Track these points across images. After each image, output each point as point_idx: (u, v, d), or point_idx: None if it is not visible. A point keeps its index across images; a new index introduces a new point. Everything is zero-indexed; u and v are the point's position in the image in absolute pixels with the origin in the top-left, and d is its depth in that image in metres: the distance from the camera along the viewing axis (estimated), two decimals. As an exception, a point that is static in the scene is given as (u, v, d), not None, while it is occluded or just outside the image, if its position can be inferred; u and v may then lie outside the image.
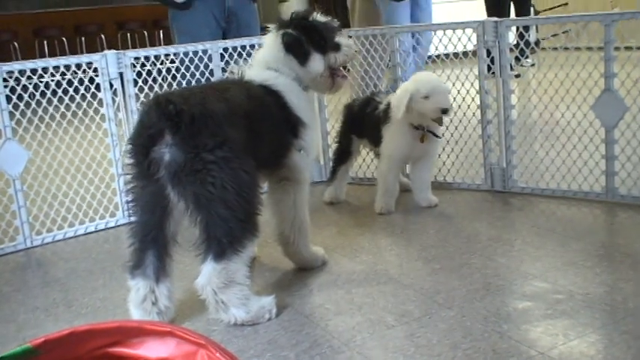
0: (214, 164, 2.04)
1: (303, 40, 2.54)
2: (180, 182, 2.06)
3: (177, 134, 2.04)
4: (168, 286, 2.26)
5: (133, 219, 2.29)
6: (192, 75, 3.57)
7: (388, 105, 3.22)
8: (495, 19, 3.37)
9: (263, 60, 2.58)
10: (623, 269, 2.42)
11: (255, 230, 2.16)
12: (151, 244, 2.20)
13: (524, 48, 3.46)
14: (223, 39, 4.00)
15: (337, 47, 2.62)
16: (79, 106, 3.42)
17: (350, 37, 3.38)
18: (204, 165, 2.04)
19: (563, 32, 3.77)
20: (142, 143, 2.09)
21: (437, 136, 3.22)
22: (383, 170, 3.29)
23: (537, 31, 8.50)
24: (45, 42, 10.71)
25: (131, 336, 1.22)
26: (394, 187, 3.29)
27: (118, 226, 3.43)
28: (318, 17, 2.61)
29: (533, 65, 7.58)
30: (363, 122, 3.39)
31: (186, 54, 3.59)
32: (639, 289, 2.25)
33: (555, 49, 3.46)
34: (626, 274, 2.37)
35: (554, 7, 10.29)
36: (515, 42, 3.69)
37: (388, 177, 3.27)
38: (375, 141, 3.34)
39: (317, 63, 2.56)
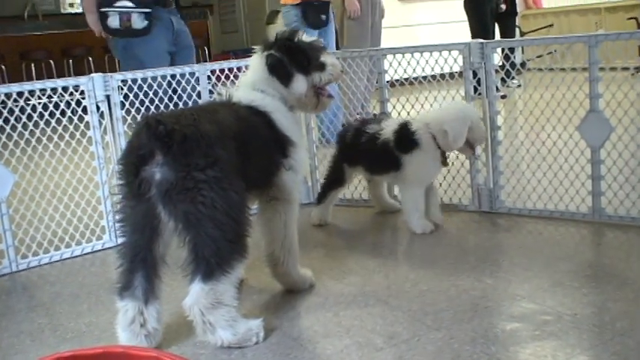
0: (205, 183, 2.04)
1: (286, 61, 2.54)
2: (171, 201, 2.05)
3: (169, 154, 2.03)
4: (157, 308, 2.24)
5: (122, 239, 2.27)
6: (180, 97, 3.58)
7: (405, 132, 3.20)
8: (481, 40, 3.39)
9: (249, 81, 2.58)
10: (610, 290, 2.42)
11: (243, 251, 2.15)
12: (140, 265, 2.18)
13: (509, 69, 3.48)
14: (171, 63, 4.14)
15: (322, 67, 2.62)
16: (65, 129, 3.41)
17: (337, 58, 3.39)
18: (195, 184, 2.03)
19: (548, 53, 3.80)
20: (133, 162, 2.09)
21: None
22: (415, 195, 3.23)
23: (523, 53, 8.57)
24: (32, 65, 10.69)
25: (116, 361, 1.20)
26: (423, 207, 3.31)
27: (105, 249, 3.41)
28: (303, 37, 2.62)
29: (519, 86, 7.64)
30: (358, 151, 3.35)
31: (173, 76, 3.59)
32: (627, 309, 2.25)
33: (540, 70, 3.48)
34: (614, 295, 2.37)
35: (540, 29, 10.39)
36: (501, 63, 3.72)
37: (420, 201, 3.25)
38: (376, 169, 3.35)
39: (300, 84, 2.56)
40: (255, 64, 2.61)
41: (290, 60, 2.55)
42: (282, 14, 5.76)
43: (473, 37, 7.97)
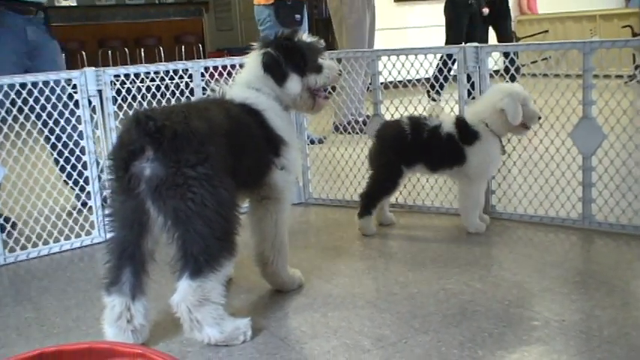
0: (195, 180, 2.02)
1: (282, 60, 2.53)
2: (161, 197, 2.04)
3: (159, 149, 2.02)
4: (144, 304, 2.23)
5: (110, 235, 2.26)
6: (173, 94, 3.56)
7: (462, 124, 3.15)
8: (477, 44, 3.39)
9: (244, 79, 2.58)
10: (598, 297, 2.42)
11: (232, 249, 2.14)
12: (128, 260, 2.17)
13: (503, 74, 3.48)
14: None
15: (319, 69, 2.61)
16: (57, 122, 3.38)
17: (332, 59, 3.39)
18: (185, 180, 2.02)
19: (543, 59, 3.80)
20: (123, 158, 2.07)
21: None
22: (479, 191, 3.20)
23: (517, 58, 8.58)
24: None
25: (101, 357, 1.20)
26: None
27: (94, 244, 3.39)
28: (303, 37, 2.61)
29: None
30: (419, 148, 3.18)
31: (166, 72, 3.57)
32: (615, 316, 2.25)
33: (534, 75, 3.48)
34: (602, 302, 2.37)
35: (535, 35, 10.42)
36: (504, 67, 3.70)
37: (482, 196, 3.24)
38: (439, 165, 3.22)
39: (294, 84, 2.55)
40: (251, 61, 2.60)
41: (286, 59, 2.54)
42: (255, 12, 5.76)
43: (446, 43, 7.96)
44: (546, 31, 10.71)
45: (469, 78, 3.38)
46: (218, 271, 2.09)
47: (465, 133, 3.13)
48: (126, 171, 2.06)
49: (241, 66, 3.28)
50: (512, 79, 3.61)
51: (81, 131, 3.33)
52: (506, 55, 3.41)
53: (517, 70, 3.57)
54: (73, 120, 3.42)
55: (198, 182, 2.03)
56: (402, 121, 3.24)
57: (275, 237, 2.53)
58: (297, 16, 5.64)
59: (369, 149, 3.36)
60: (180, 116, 2.10)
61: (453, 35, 7.97)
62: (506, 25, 8.89)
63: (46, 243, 3.32)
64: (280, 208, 2.53)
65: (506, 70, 3.46)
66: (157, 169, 2.03)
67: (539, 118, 3.13)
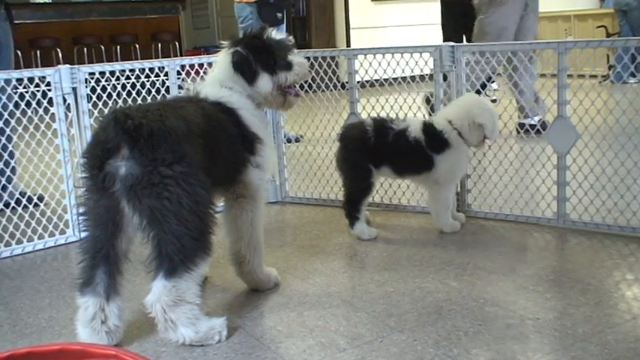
0: (171, 179, 2.01)
1: (252, 59, 2.53)
2: (136, 196, 2.02)
3: (135, 148, 2.00)
4: (118, 305, 2.21)
5: (84, 234, 2.24)
6: (148, 92, 3.53)
7: (431, 130, 3.11)
8: (452, 43, 3.40)
9: (216, 78, 2.57)
10: (573, 295, 2.44)
11: (208, 249, 2.12)
12: (102, 260, 2.15)
13: (490, 73, 3.50)
14: None
15: (289, 66, 2.61)
16: (30, 120, 3.35)
17: (308, 58, 3.38)
18: (161, 179, 2.00)
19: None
20: (98, 156, 2.05)
21: None
22: (448, 193, 3.20)
23: (493, 58, 8.60)
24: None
25: (74, 359, 1.18)
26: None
27: (68, 243, 3.36)
28: (272, 35, 2.61)
29: (496, 90, 7.67)
30: (384, 151, 3.15)
31: (142, 70, 3.55)
32: (589, 314, 2.27)
33: (510, 75, 3.50)
34: (576, 300, 2.39)
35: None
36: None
37: (451, 197, 3.26)
38: (405, 170, 3.21)
39: (264, 83, 2.56)
40: (221, 60, 2.59)
41: (256, 58, 2.54)
42: (236, 9, 5.75)
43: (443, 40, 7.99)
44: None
45: (445, 77, 3.39)
46: (193, 271, 2.08)
47: (434, 140, 3.12)
48: (100, 169, 2.05)
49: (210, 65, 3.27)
50: (488, 79, 3.63)
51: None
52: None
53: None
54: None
55: (174, 181, 2.01)
56: (366, 122, 3.22)
57: (251, 236, 2.53)
58: (279, 15, 5.64)
59: (336, 153, 3.31)
60: (156, 114, 2.08)
61: (444, 33, 7.99)
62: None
63: (19, 242, 3.28)
64: (255, 206, 2.53)
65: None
66: (133, 168, 2.01)
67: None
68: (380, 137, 3.13)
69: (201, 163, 2.13)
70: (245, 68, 2.53)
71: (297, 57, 2.66)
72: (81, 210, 2.21)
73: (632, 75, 8.19)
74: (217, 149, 2.30)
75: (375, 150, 3.14)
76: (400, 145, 3.12)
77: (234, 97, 2.50)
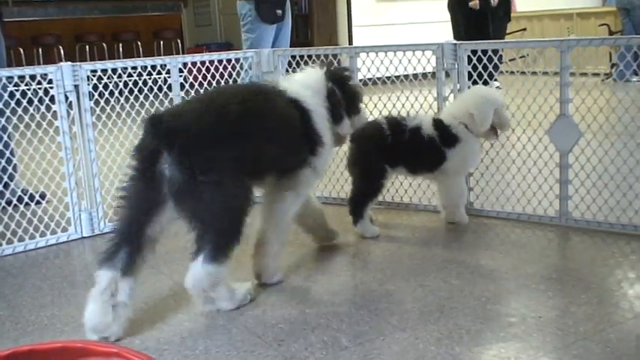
0: (206, 184, 2.21)
1: (343, 103, 2.74)
2: (179, 198, 2.23)
3: (172, 153, 2.20)
4: (131, 285, 2.29)
5: (118, 215, 2.35)
6: (150, 90, 3.53)
7: (441, 126, 3.14)
8: (454, 41, 3.39)
9: (304, 80, 2.71)
10: (574, 293, 2.44)
11: (239, 242, 2.34)
12: (129, 242, 2.29)
13: (492, 71, 3.49)
14: None
15: (358, 112, 2.84)
16: (32, 118, 3.35)
17: (310, 56, 3.38)
18: (198, 185, 2.20)
19: (521, 57, 3.81)
20: (145, 157, 2.26)
21: None
22: (461, 182, 3.25)
23: (496, 55, 8.57)
24: None
25: (75, 357, 1.18)
26: None
27: (70, 241, 3.36)
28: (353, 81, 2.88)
29: (499, 88, 7.64)
30: (401, 150, 3.15)
31: (144, 68, 3.54)
32: (591, 313, 2.27)
33: (512, 73, 3.49)
34: (578, 299, 2.39)
35: (513, 32, 10.46)
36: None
37: (464, 186, 3.30)
38: (420, 167, 3.24)
39: (345, 127, 2.78)
40: (313, 73, 2.74)
41: (346, 103, 2.75)
42: (237, 7, 5.76)
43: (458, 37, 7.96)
44: (524, 29, 10.75)
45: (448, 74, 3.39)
46: (226, 258, 2.31)
47: (445, 135, 3.14)
48: (152, 165, 2.23)
49: (220, 62, 3.27)
50: (490, 77, 3.62)
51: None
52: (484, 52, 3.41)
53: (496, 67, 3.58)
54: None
55: (209, 186, 2.22)
56: (380, 121, 3.22)
57: (281, 222, 2.64)
58: (279, 12, 5.64)
59: (348, 153, 3.29)
60: (190, 117, 2.28)
61: (454, 31, 7.98)
62: (499, 26, 8.75)
63: (21, 240, 3.28)
64: (296, 201, 2.66)
65: (485, 68, 3.46)
66: (174, 173, 2.21)
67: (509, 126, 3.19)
68: (396, 136, 3.15)
69: (238, 161, 2.30)
70: (335, 109, 2.72)
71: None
72: (120, 193, 2.34)
73: (635, 73, 8.17)
74: (271, 143, 2.45)
75: (392, 149, 3.16)
76: (416, 142, 3.15)
77: (315, 100, 2.64)
